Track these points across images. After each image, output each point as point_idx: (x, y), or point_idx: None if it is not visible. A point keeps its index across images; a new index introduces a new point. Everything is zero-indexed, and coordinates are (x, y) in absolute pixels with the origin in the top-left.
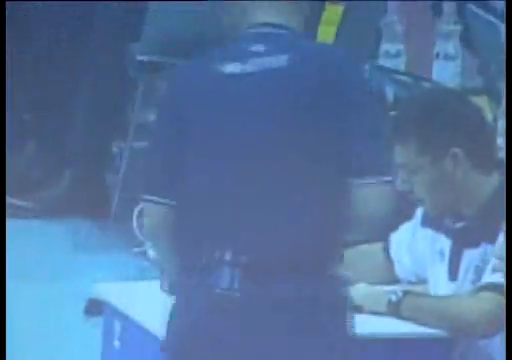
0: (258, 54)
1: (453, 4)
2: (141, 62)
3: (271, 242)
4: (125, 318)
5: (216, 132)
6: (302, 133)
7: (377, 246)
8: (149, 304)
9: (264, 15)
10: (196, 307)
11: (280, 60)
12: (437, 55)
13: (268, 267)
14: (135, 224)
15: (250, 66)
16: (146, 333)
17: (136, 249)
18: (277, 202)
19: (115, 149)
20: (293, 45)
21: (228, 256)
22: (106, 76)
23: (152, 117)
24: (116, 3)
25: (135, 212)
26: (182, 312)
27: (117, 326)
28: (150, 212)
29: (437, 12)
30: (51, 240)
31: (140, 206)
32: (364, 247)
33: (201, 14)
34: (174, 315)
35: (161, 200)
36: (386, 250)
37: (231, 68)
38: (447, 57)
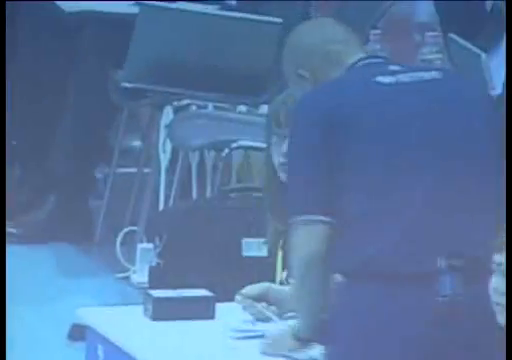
0: (411, 69)
1: (436, 34)
2: (125, 89)
3: (478, 243)
4: (108, 343)
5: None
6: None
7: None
8: (132, 329)
9: None
10: (419, 318)
11: (432, 74)
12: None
13: (482, 269)
14: (118, 249)
15: (405, 78)
16: (129, 358)
17: (119, 274)
18: (471, 204)
19: (99, 175)
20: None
21: (444, 262)
22: (90, 102)
23: (136, 143)
24: (102, 30)
25: (119, 238)
26: (398, 324)
27: (100, 351)
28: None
29: (420, 41)
30: (34, 264)
31: (124, 231)
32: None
33: (186, 41)
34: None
35: (326, 219)
36: None
37: (389, 79)
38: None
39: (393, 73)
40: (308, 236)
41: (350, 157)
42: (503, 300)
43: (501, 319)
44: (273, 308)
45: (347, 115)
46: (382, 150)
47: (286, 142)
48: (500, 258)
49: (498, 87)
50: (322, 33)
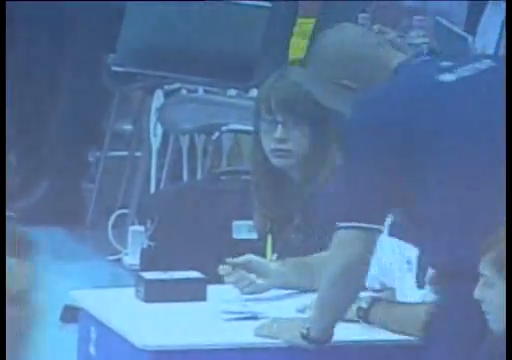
0: (465, 62)
1: (423, 18)
2: (116, 73)
3: None
4: (100, 325)
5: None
6: None
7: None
8: (124, 311)
9: None
10: None
11: (483, 64)
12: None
13: None
14: (110, 232)
15: (464, 72)
16: (121, 339)
17: (111, 257)
18: None
19: (91, 158)
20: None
21: None
22: (82, 86)
23: (128, 127)
24: (92, 14)
25: (110, 221)
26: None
27: (93, 333)
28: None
29: (407, 25)
30: None
31: (116, 214)
32: (327, 253)
33: (176, 26)
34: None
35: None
36: None
37: (450, 77)
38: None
39: (450, 69)
40: (355, 241)
41: (433, 166)
42: (492, 308)
43: (494, 326)
44: (253, 275)
45: (423, 120)
46: (462, 157)
47: (279, 128)
48: (483, 268)
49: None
50: (364, 39)
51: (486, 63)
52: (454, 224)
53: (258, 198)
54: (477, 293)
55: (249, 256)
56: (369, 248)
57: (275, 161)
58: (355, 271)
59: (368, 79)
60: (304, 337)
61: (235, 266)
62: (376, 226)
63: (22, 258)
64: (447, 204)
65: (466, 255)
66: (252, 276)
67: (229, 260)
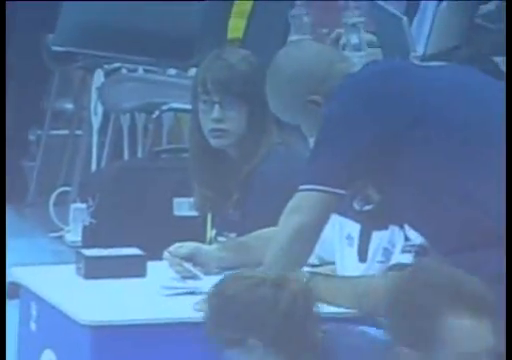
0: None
1: None
2: (56, 52)
3: None
4: (41, 301)
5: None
6: None
7: (277, 230)
8: (65, 287)
9: None
10: None
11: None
12: (343, 46)
13: None
14: (52, 209)
15: (432, 63)
16: (62, 316)
17: (53, 234)
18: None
19: (32, 137)
20: None
21: None
22: (22, 66)
23: (68, 106)
24: None
25: (52, 198)
26: None
27: (33, 309)
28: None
29: (343, 5)
30: None
31: (57, 192)
32: (264, 232)
33: (115, 5)
34: None
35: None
36: None
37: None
38: (352, 48)
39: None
40: (315, 204)
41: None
42: None
43: None
44: (199, 268)
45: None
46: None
47: (216, 108)
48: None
49: (419, 48)
50: (326, 54)
51: (442, 63)
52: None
53: (197, 178)
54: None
55: (193, 246)
56: (328, 213)
57: (213, 141)
58: (308, 235)
59: (331, 93)
60: None
61: (180, 258)
62: (340, 191)
63: None
64: (415, 185)
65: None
66: (196, 271)
67: (174, 252)
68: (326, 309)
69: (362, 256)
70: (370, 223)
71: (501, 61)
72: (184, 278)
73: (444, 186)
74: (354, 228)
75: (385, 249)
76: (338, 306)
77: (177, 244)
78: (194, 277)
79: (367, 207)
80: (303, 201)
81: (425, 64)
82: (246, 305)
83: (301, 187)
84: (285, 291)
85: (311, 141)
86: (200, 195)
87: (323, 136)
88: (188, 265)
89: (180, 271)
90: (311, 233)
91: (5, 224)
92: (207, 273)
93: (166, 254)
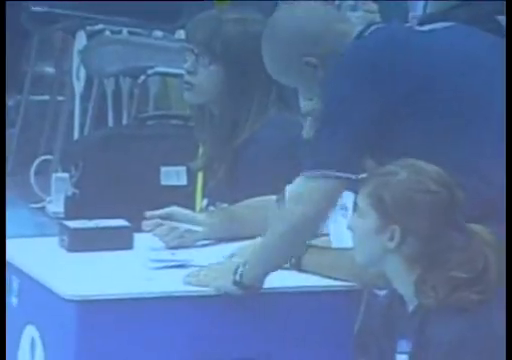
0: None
1: None
2: (36, 13)
3: None
4: (23, 275)
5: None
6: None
7: (270, 198)
8: (48, 261)
9: None
10: None
11: (440, 24)
12: (338, 6)
13: None
14: (32, 179)
15: (433, 26)
16: (45, 290)
17: (34, 205)
18: None
19: (10, 102)
20: None
21: None
22: None
23: (49, 70)
24: None
25: (32, 167)
26: None
27: (14, 283)
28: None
29: None
30: None
31: (38, 161)
32: (255, 200)
33: None
34: None
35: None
36: (281, 202)
37: (422, 27)
38: (348, 8)
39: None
40: (321, 192)
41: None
42: (357, 238)
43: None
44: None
45: (411, 68)
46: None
47: (190, 60)
48: (358, 200)
49: (419, 9)
50: (322, 15)
51: (443, 24)
52: None
53: (196, 134)
54: (349, 221)
55: (171, 208)
56: (336, 200)
57: (184, 94)
58: (312, 226)
59: (328, 55)
60: (236, 283)
61: (159, 218)
62: (351, 175)
63: None
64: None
65: None
66: (181, 227)
67: (150, 213)
68: (323, 282)
69: None
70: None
71: (504, 19)
72: (169, 247)
73: (446, 156)
74: (349, 198)
75: None
76: (335, 279)
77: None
78: (180, 244)
79: (363, 175)
80: (311, 189)
81: (425, 28)
82: None
83: (307, 173)
84: None
85: (307, 104)
86: (203, 152)
87: (329, 116)
88: (174, 223)
89: (167, 232)
90: (317, 224)
91: (5, 225)
92: (193, 239)
93: (144, 223)
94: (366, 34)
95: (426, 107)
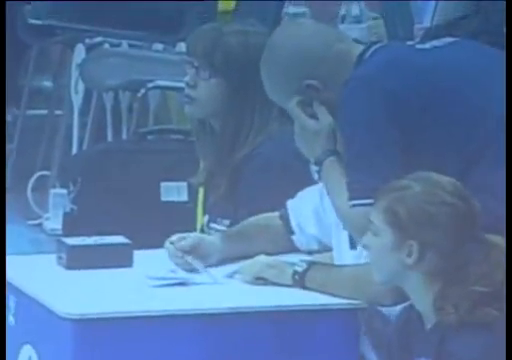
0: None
1: None
2: (34, 26)
3: None
4: (20, 293)
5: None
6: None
7: (273, 215)
8: (45, 279)
9: None
10: None
11: (442, 41)
12: (343, 18)
13: None
14: (30, 195)
15: (434, 43)
16: (42, 308)
17: (31, 221)
18: None
19: (8, 117)
20: None
21: None
22: None
23: (47, 83)
24: None
25: (30, 183)
26: None
27: (11, 301)
28: None
29: None
30: None
31: (36, 176)
32: (260, 218)
33: None
34: None
35: None
36: (284, 219)
37: (423, 45)
38: (353, 20)
39: (420, 42)
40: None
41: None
42: (373, 257)
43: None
44: (200, 260)
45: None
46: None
47: (191, 73)
48: (372, 217)
49: (425, 21)
50: (323, 35)
51: (446, 40)
52: None
53: (202, 154)
54: (364, 240)
55: (197, 237)
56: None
57: (185, 108)
58: None
59: (333, 77)
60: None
61: (183, 251)
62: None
63: None
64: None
65: None
66: (197, 265)
67: (178, 244)
68: (327, 300)
69: (352, 244)
70: None
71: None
72: (184, 270)
73: (459, 173)
74: None
75: None
76: (339, 296)
77: (179, 235)
78: (194, 270)
79: None
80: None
81: (427, 46)
82: None
83: (353, 202)
84: None
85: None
86: (203, 168)
87: (354, 146)
88: (190, 258)
89: (180, 263)
90: None
91: (5, 226)
92: (208, 265)
93: (168, 245)
94: (367, 56)
95: (436, 124)
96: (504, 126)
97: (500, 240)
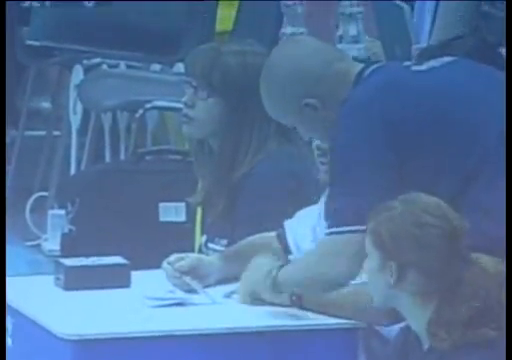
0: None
1: None
2: (31, 47)
3: None
4: (17, 314)
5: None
6: None
7: (270, 235)
8: (43, 300)
9: None
10: None
11: (440, 61)
12: (340, 38)
13: None
14: (28, 216)
15: (431, 64)
16: (40, 330)
17: (29, 242)
18: None
19: (6, 138)
20: None
21: None
22: None
23: (45, 104)
24: None
25: (28, 204)
26: None
27: (9, 323)
28: None
29: None
30: None
31: (34, 197)
32: (257, 238)
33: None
34: None
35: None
36: (281, 238)
37: (419, 67)
38: (351, 39)
39: (416, 64)
40: (350, 247)
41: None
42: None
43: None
44: (198, 281)
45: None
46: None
47: (188, 93)
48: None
49: (422, 40)
50: (322, 53)
51: (443, 60)
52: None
53: (200, 174)
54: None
55: (195, 258)
56: (363, 253)
57: (183, 128)
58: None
59: (332, 96)
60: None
61: (181, 272)
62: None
63: None
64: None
65: None
66: (196, 286)
67: (176, 265)
68: (324, 320)
69: None
70: None
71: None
72: (182, 290)
73: (456, 193)
74: None
75: None
76: (337, 317)
77: (177, 255)
78: (192, 291)
79: None
80: (339, 246)
81: (423, 68)
82: None
83: (330, 230)
84: None
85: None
86: (201, 188)
87: (339, 172)
88: (188, 279)
89: (178, 284)
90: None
91: (5, 228)
92: (206, 286)
93: (166, 265)
94: (365, 75)
95: (432, 145)
96: (503, 142)
97: (490, 260)
